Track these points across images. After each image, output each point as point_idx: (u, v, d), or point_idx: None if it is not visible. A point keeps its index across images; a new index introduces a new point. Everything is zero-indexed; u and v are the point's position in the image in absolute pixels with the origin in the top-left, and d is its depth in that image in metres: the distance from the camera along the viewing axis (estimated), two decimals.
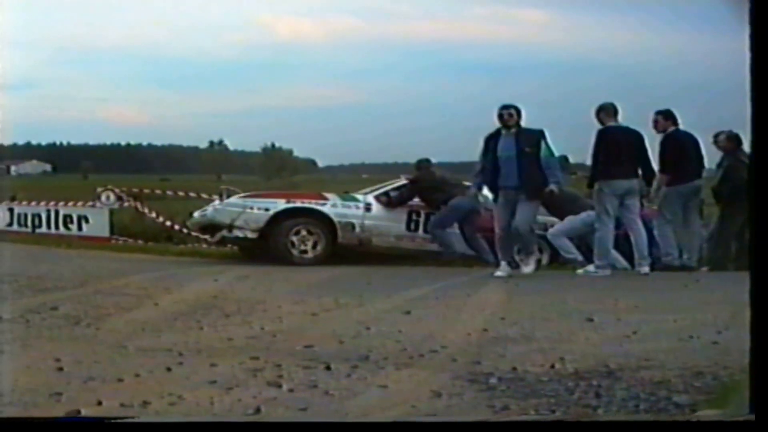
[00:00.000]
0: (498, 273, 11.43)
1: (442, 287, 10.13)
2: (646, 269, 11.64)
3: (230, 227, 13.80)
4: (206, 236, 15.25)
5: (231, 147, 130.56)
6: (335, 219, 13.80)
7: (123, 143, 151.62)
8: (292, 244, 13.57)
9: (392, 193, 14.36)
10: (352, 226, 13.89)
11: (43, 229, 19.46)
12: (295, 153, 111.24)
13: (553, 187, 11.38)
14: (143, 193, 20.77)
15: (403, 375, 5.51)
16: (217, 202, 14.86)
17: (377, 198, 14.28)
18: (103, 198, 19.74)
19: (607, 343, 6.49)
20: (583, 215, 12.84)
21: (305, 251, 13.61)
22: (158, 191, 22.25)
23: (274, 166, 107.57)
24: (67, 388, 5.02)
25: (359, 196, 14.39)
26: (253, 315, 7.88)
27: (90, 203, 19.93)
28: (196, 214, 15.22)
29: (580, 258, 12.58)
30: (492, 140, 11.63)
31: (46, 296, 8.82)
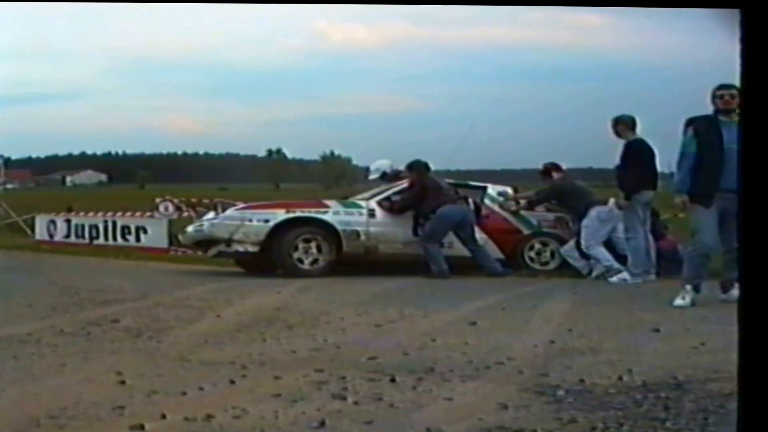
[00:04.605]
0: (678, 302, 9.19)
1: (508, 298, 10.08)
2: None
3: (229, 241, 13.32)
4: (199, 251, 14.89)
5: (289, 155, 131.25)
6: (339, 227, 13.24)
7: (179, 152, 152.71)
8: (296, 255, 13.02)
9: (394, 198, 13.71)
10: (357, 233, 13.29)
11: (101, 240, 19.59)
12: (354, 161, 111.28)
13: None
14: (202, 203, 20.78)
15: (469, 387, 5.48)
16: (211, 215, 14.55)
17: (380, 203, 13.66)
18: (162, 208, 19.85)
19: (675, 355, 6.43)
20: (594, 213, 12.72)
21: (310, 262, 13.05)
22: (217, 200, 22.23)
23: (333, 175, 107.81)
24: (131, 401, 5.03)
25: (361, 202, 13.83)
26: (316, 327, 7.88)
27: (148, 214, 20.07)
28: (189, 229, 14.79)
29: (616, 265, 12.33)
30: (704, 127, 9.29)
31: (106, 309, 8.88)
